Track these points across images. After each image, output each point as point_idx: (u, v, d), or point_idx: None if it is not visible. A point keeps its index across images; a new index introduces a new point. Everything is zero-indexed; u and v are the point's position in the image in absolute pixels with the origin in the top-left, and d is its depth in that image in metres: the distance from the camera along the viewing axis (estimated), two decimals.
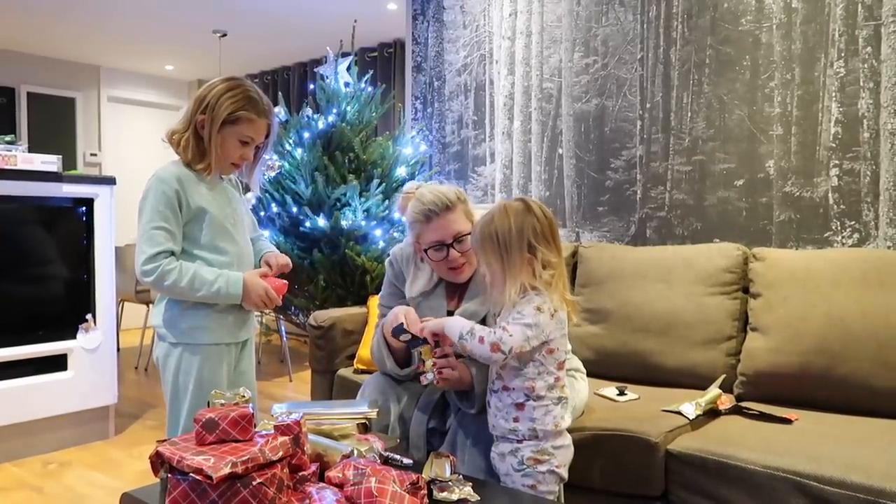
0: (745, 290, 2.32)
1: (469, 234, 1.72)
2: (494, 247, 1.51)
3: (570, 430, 1.60)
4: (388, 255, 1.99)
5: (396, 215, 3.67)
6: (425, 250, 1.78)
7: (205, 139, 1.75)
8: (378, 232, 3.65)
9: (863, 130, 2.41)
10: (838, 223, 2.47)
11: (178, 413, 1.75)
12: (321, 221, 3.63)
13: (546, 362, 1.52)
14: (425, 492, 1.29)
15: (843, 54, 2.46)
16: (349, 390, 2.50)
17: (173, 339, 1.75)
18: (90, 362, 3.02)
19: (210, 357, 1.75)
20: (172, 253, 1.70)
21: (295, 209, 3.73)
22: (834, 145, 2.48)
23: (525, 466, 1.51)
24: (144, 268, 1.67)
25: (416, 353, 1.70)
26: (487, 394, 1.60)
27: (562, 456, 1.54)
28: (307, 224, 3.67)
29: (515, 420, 1.52)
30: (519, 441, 1.53)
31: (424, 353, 1.60)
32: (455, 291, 1.85)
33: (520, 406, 1.52)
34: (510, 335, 1.45)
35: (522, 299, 1.49)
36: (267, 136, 1.84)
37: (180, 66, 6.44)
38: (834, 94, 2.48)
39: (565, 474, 1.56)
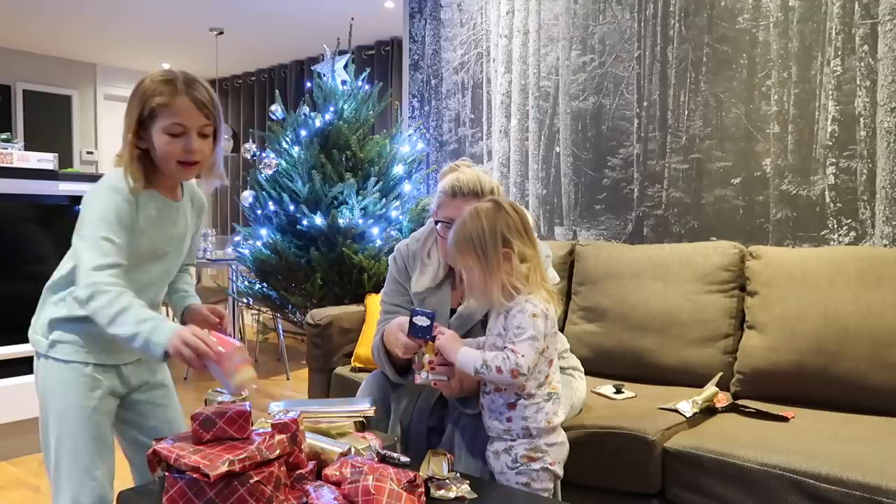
0: (742, 289, 2.33)
1: None
2: (470, 249, 1.51)
3: (567, 428, 1.61)
4: (387, 250, 1.98)
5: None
6: (437, 223, 1.80)
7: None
8: (375, 230, 3.65)
9: (859, 129, 2.42)
10: (835, 221, 2.48)
11: (47, 445, 1.46)
12: (318, 220, 3.62)
13: (537, 361, 1.52)
14: (423, 490, 1.29)
15: (839, 52, 2.46)
16: (347, 388, 2.50)
17: (43, 350, 1.49)
18: None
19: (78, 378, 1.46)
20: (119, 266, 1.40)
21: (292, 207, 3.73)
22: (831, 143, 2.48)
23: (519, 464, 1.51)
24: (90, 278, 1.36)
25: (418, 351, 1.67)
26: (480, 395, 1.60)
27: (556, 453, 1.54)
28: (304, 222, 3.67)
29: (508, 420, 1.52)
30: (513, 439, 1.53)
31: (427, 349, 1.59)
32: (459, 289, 1.86)
33: (511, 405, 1.52)
34: (522, 356, 1.45)
35: (514, 309, 1.49)
36: (209, 117, 1.45)
37: (177, 64, 6.39)
38: (831, 92, 2.48)
39: (560, 471, 1.56)
